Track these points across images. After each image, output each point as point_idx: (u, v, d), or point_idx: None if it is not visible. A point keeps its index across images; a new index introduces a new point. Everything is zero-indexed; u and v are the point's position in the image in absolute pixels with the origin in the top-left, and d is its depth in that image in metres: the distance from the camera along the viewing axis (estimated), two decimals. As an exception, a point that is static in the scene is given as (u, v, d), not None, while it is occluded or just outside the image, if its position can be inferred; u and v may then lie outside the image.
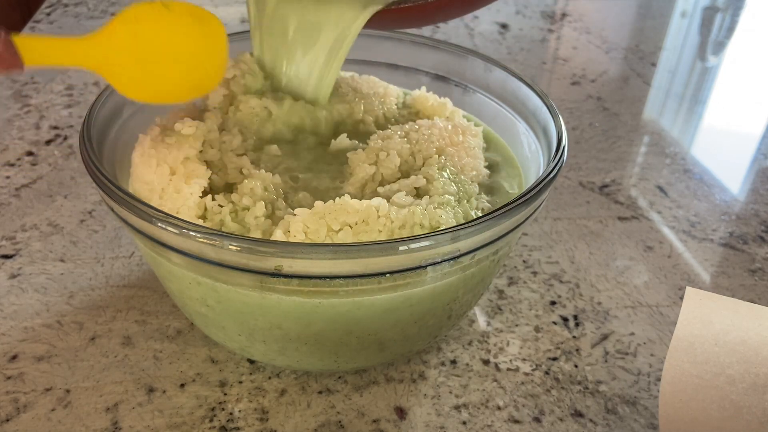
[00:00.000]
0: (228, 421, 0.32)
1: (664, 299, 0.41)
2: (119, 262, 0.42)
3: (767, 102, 0.70)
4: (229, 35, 0.42)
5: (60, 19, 0.75)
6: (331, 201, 0.28)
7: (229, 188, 0.32)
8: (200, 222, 0.29)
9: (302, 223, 0.28)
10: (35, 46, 0.26)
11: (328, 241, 0.28)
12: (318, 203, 0.28)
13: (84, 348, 0.36)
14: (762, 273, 0.44)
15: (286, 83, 0.36)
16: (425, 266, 0.27)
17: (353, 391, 0.34)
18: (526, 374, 0.36)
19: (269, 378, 0.34)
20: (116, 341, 0.36)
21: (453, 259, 0.27)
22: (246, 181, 0.30)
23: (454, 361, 0.36)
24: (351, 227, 0.28)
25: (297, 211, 0.28)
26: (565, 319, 0.39)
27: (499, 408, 0.34)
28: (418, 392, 0.34)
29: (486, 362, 0.36)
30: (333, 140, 0.35)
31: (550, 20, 0.83)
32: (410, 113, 0.39)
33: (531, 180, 0.35)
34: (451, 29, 0.78)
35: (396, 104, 0.39)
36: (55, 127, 0.55)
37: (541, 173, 0.31)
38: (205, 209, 0.30)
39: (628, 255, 0.45)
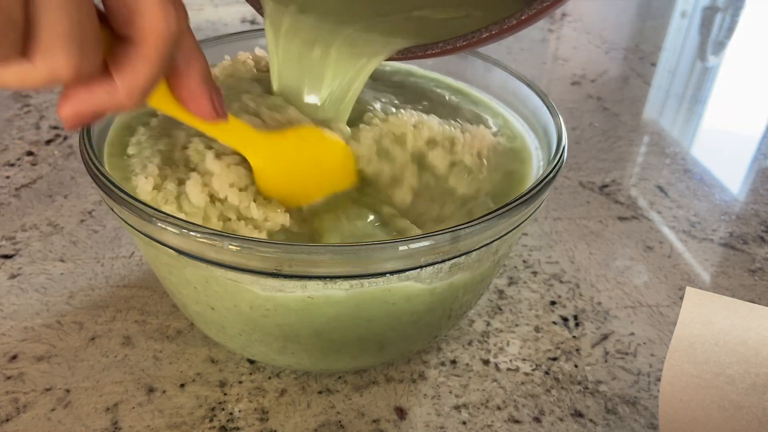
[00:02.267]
0: (228, 421, 0.32)
1: (664, 299, 0.41)
2: (119, 262, 0.42)
3: (767, 102, 0.70)
4: (229, 35, 0.42)
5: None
6: None
7: None
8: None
9: None
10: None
11: None
12: None
13: (84, 348, 0.36)
14: (762, 273, 0.44)
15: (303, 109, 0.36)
16: (425, 266, 0.27)
17: (353, 391, 0.34)
18: (526, 374, 0.36)
19: (269, 378, 0.34)
20: (116, 341, 0.36)
21: (453, 258, 0.27)
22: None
23: (454, 361, 0.36)
24: None
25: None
26: (565, 319, 0.39)
27: (499, 408, 0.34)
28: (418, 392, 0.34)
29: (486, 362, 0.36)
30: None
31: (550, 20, 0.83)
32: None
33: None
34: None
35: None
36: (55, 127, 0.55)
37: (541, 173, 0.31)
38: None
39: (628, 255, 0.45)
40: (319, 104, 0.34)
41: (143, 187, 0.30)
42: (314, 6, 0.34)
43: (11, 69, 0.20)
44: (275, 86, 0.34)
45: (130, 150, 0.33)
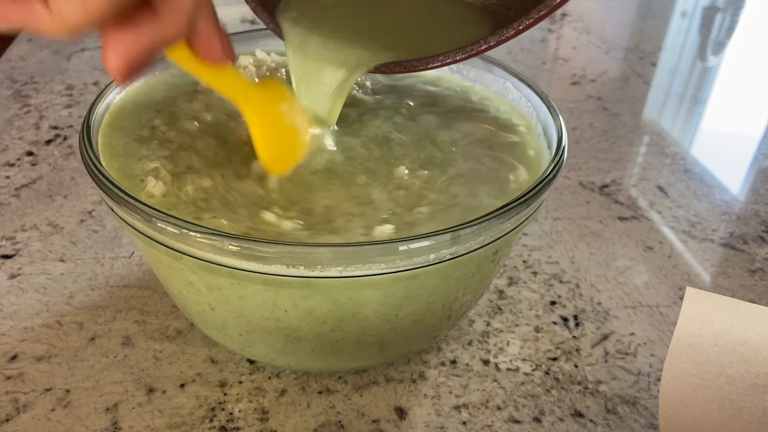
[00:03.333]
0: (228, 421, 0.32)
1: (664, 299, 0.41)
2: (119, 262, 0.42)
3: (767, 102, 0.70)
4: (229, 35, 0.42)
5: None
6: None
7: None
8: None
9: None
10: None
11: None
12: None
13: (84, 348, 0.36)
14: (762, 273, 0.44)
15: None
16: (425, 266, 0.27)
17: (353, 391, 0.34)
18: (526, 374, 0.36)
19: (269, 378, 0.34)
20: (116, 341, 0.36)
21: (453, 259, 0.27)
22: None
23: (454, 361, 0.36)
24: None
25: None
26: (565, 319, 0.39)
27: (499, 408, 0.34)
28: (418, 392, 0.34)
29: (486, 362, 0.36)
30: None
31: (550, 20, 0.83)
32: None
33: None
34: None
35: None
36: (55, 127, 0.55)
37: (540, 173, 0.31)
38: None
39: (628, 255, 0.45)
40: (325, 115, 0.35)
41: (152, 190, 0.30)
42: (329, 28, 0.35)
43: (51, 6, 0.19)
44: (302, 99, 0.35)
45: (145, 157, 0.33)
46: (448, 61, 0.32)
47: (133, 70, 0.22)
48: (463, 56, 0.31)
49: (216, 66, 0.28)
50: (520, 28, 0.29)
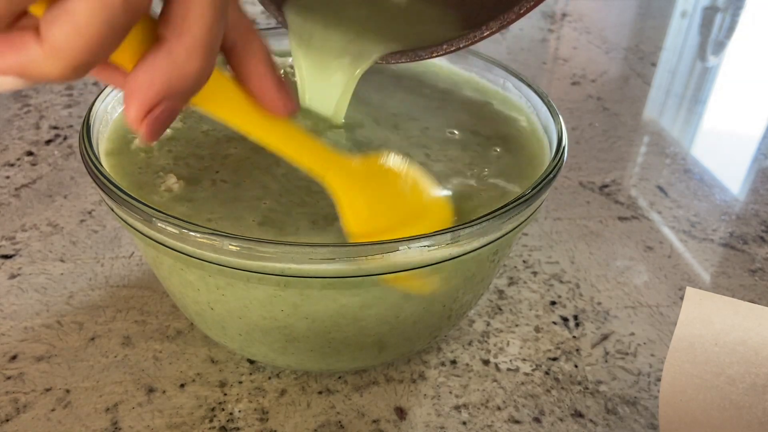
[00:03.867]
0: (228, 421, 0.32)
1: (664, 299, 0.41)
2: (119, 262, 0.42)
3: (767, 102, 0.70)
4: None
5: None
6: None
7: None
8: None
9: None
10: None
11: None
12: None
13: (84, 348, 0.36)
14: (762, 273, 0.44)
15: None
16: (425, 266, 0.27)
17: (353, 391, 0.34)
18: (526, 374, 0.36)
19: (269, 378, 0.34)
20: (116, 341, 0.36)
21: (453, 259, 0.27)
22: None
23: (454, 361, 0.36)
24: None
25: None
26: (565, 319, 0.39)
27: (499, 408, 0.34)
28: (418, 392, 0.34)
29: (486, 362, 0.36)
30: None
31: (550, 20, 0.83)
32: None
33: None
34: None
35: None
36: (55, 127, 0.55)
37: (541, 173, 0.31)
38: None
39: (628, 255, 0.45)
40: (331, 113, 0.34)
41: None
42: (333, 20, 0.35)
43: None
44: (305, 100, 0.35)
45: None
46: (452, 48, 0.32)
47: (157, 121, 0.20)
48: (467, 43, 0.31)
49: (277, 121, 0.24)
50: (521, 11, 0.29)
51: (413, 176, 0.30)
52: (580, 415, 0.34)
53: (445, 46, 0.32)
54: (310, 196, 0.31)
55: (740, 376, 0.27)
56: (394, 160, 0.30)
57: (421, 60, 0.33)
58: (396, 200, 0.29)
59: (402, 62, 0.33)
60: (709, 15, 0.89)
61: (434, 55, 0.32)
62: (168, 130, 0.35)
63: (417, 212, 0.29)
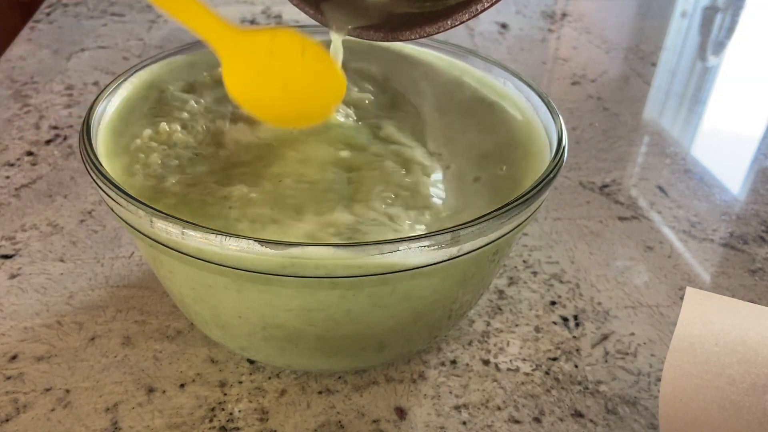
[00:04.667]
0: (228, 421, 0.32)
1: (664, 299, 0.41)
2: (119, 262, 0.42)
3: (767, 102, 0.70)
4: None
5: (60, 19, 0.75)
6: None
7: None
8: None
9: None
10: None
11: None
12: None
13: (84, 348, 0.36)
14: (762, 273, 0.44)
15: None
16: (425, 266, 0.27)
17: (353, 391, 0.34)
18: (526, 374, 0.36)
19: (269, 378, 0.34)
20: (116, 341, 0.36)
21: (453, 259, 0.27)
22: None
23: (454, 361, 0.36)
24: None
25: None
26: (565, 319, 0.39)
27: (499, 408, 0.34)
28: (418, 392, 0.34)
29: (486, 362, 0.36)
30: None
31: (550, 20, 0.83)
32: None
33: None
34: (451, 29, 0.78)
35: None
36: (55, 127, 0.55)
37: (541, 173, 0.31)
38: None
39: (629, 255, 0.45)
40: None
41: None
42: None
43: None
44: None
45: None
46: (456, 23, 0.32)
47: None
48: (469, 17, 0.31)
49: None
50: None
51: (308, 49, 0.31)
52: (580, 415, 0.34)
53: (450, 21, 0.32)
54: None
55: (740, 376, 0.27)
56: (285, 36, 0.31)
57: (428, 35, 0.33)
58: (284, 72, 0.31)
59: (408, 40, 0.34)
60: (709, 15, 0.89)
61: (441, 30, 0.32)
62: (168, 131, 0.35)
63: (309, 83, 0.32)
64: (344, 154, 0.33)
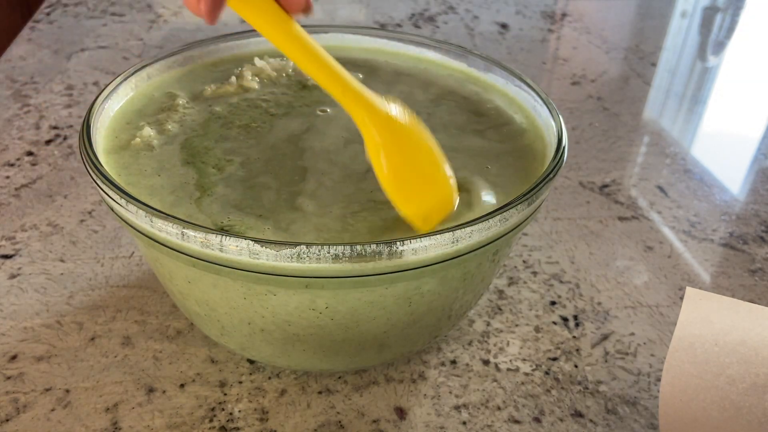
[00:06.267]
0: (228, 421, 0.32)
1: (664, 299, 0.41)
2: (119, 262, 0.42)
3: (767, 102, 0.70)
4: (229, 35, 0.42)
5: (60, 19, 0.75)
6: None
7: None
8: None
9: None
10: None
11: None
12: None
13: (84, 348, 0.36)
14: (762, 273, 0.44)
15: None
16: (425, 266, 0.27)
17: (353, 391, 0.34)
18: (526, 374, 0.36)
19: (269, 378, 0.34)
20: (116, 341, 0.36)
21: (453, 259, 0.27)
22: None
23: (454, 361, 0.36)
24: None
25: None
26: (565, 319, 0.39)
27: (499, 408, 0.34)
28: (418, 392, 0.34)
29: (486, 362, 0.36)
30: None
31: (550, 20, 0.83)
32: None
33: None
34: (451, 29, 0.78)
35: None
36: (55, 127, 0.55)
37: (540, 173, 0.31)
38: None
39: (628, 255, 0.45)
40: None
41: None
42: None
43: None
44: None
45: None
46: None
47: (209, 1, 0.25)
48: None
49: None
50: None
51: (429, 142, 0.30)
52: (580, 415, 0.34)
53: None
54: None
55: (740, 376, 0.27)
56: (412, 119, 0.30)
57: None
58: (412, 157, 0.30)
59: None
60: (709, 15, 0.89)
61: None
62: (168, 131, 0.35)
63: (427, 178, 0.30)
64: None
